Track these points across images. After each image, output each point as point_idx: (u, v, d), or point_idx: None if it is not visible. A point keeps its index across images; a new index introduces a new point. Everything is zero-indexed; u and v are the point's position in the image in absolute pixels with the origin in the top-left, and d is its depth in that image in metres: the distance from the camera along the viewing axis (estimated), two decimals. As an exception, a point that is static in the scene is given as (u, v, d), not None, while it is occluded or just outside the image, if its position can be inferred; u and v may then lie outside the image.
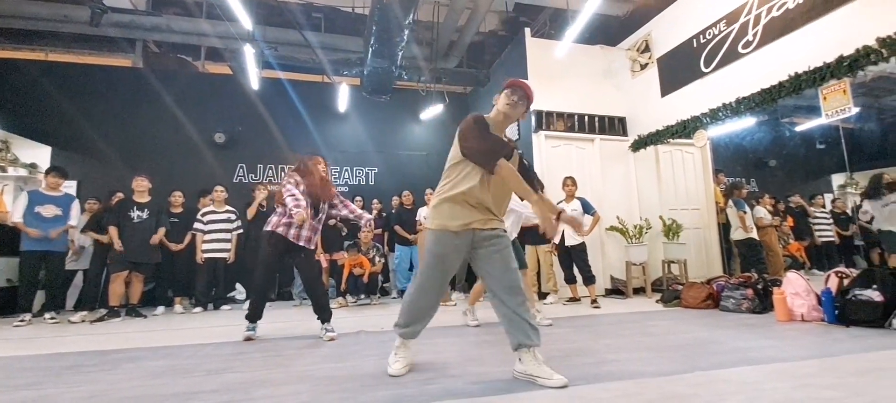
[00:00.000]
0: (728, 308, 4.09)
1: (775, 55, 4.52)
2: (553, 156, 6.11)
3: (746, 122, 6.26)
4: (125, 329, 4.25)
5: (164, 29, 7.31)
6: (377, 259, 5.77)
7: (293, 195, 3.23)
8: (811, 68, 4.02)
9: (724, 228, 6.27)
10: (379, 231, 6.62)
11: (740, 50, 4.93)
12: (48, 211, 4.75)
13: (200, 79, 8.16)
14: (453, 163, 2.23)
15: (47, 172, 5.00)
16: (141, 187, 5.15)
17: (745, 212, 5.61)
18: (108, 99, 7.26)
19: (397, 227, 6.40)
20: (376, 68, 7.25)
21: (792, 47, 4.35)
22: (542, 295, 5.43)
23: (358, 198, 7.02)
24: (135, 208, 5.06)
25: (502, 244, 2.23)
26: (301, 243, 3.38)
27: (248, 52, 6.55)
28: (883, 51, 3.50)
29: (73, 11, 6.76)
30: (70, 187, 6.14)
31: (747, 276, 4.41)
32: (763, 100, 4.52)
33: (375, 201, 7.00)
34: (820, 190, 8.38)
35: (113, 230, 4.92)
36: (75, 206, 5.01)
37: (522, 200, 2.64)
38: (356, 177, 8.17)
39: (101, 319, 4.73)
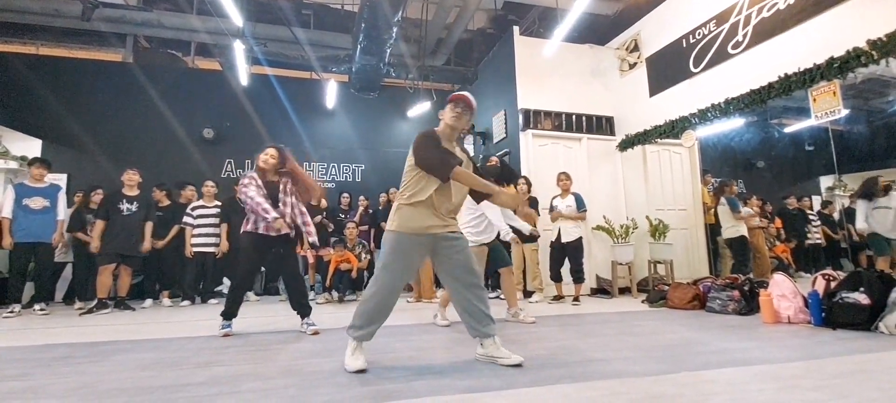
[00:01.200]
0: (714, 309, 4.05)
1: (765, 56, 4.50)
2: (540, 155, 6.06)
3: (735, 123, 6.25)
4: (114, 321, 4.27)
5: (155, 24, 7.27)
6: (363, 255, 5.69)
7: (259, 204, 3.21)
8: (801, 69, 3.98)
9: (711, 229, 6.27)
10: (365, 227, 6.52)
11: (730, 50, 4.91)
12: (36, 203, 4.78)
13: (190, 75, 8.09)
14: (410, 171, 2.35)
15: (31, 163, 5.04)
16: (131, 180, 5.13)
17: (739, 211, 5.62)
18: (99, 93, 7.21)
19: (384, 224, 6.29)
20: (364, 65, 7.17)
21: (782, 48, 4.32)
22: (528, 294, 5.38)
23: (345, 195, 6.95)
24: (124, 201, 5.04)
25: (461, 246, 2.40)
26: (272, 233, 3.27)
27: (238, 49, 6.49)
28: (873, 53, 3.46)
29: (65, 6, 6.78)
30: (60, 180, 6.22)
31: (734, 278, 4.38)
32: (752, 102, 4.49)
33: (362, 198, 6.90)
34: (808, 191, 8.42)
35: (99, 223, 4.91)
36: (62, 197, 4.98)
37: (480, 201, 2.79)
38: (343, 173, 8.08)
39: (89, 311, 4.74)
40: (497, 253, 3.81)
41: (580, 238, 5.04)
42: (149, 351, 2.79)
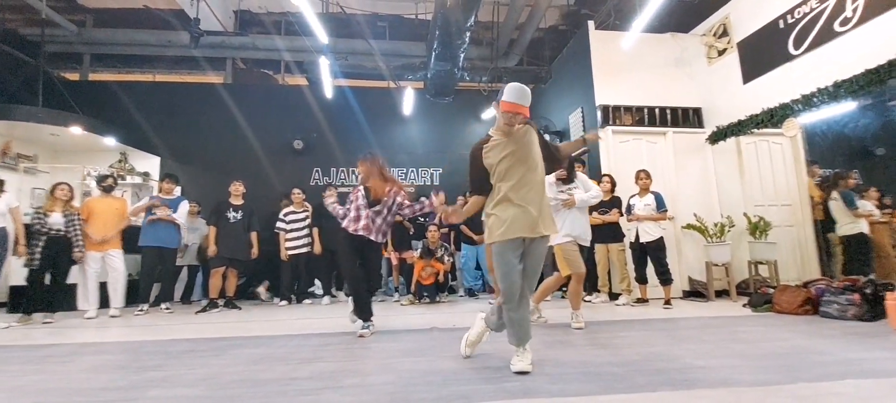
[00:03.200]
0: (830, 314, 3.70)
1: (880, 32, 4.05)
2: (621, 151, 5.85)
3: (847, 107, 5.59)
4: (224, 319, 4.69)
5: (250, 47, 8.11)
6: (446, 257, 5.84)
7: (336, 212, 3.70)
8: (927, 44, 3.54)
9: (822, 225, 5.68)
10: (445, 230, 6.69)
11: (837, 28, 4.46)
12: (163, 212, 5.34)
13: (280, 91, 8.82)
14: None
15: (162, 178, 5.74)
16: (237, 191, 5.64)
17: (856, 207, 5.08)
18: (204, 113, 8.06)
19: (463, 227, 6.42)
20: (439, 71, 7.36)
21: (902, 21, 3.86)
22: (614, 296, 5.23)
23: (423, 199, 7.15)
24: (231, 209, 5.54)
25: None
26: (360, 233, 3.50)
27: (323, 64, 6.94)
28: None
29: (176, 37, 7.81)
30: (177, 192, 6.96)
31: (853, 279, 3.95)
32: (867, 83, 4.04)
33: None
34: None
35: (212, 230, 5.46)
36: (183, 206, 5.56)
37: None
38: (421, 177, 8.32)
39: (204, 310, 5.27)
40: None
41: (661, 237, 4.82)
42: (258, 347, 3.08)
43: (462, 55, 7.02)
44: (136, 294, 5.45)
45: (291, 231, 6.03)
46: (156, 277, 5.41)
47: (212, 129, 7.96)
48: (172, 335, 3.72)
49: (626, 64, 6.15)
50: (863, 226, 5.10)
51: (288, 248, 5.96)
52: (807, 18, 4.78)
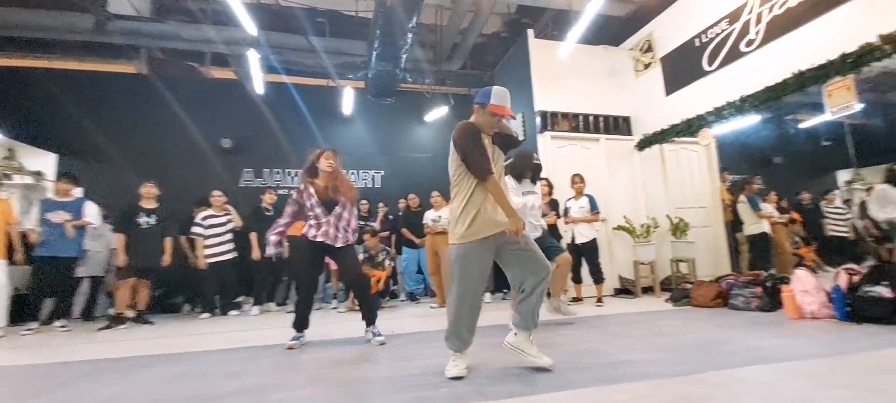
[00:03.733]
0: (738, 306, 4.10)
1: (778, 53, 4.54)
2: (559, 156, 6.13)
3: (751, 120, 6.24)
4: (134, 336, 4.24)
5: (170, 36, 7.39)
6: (387, 262, 5.79)
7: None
8: (815, 65, 4.04)
9: (732, 226, 6.28)
10: (386, 233, 6.65)
11: (743, 48, 4.95)
12: (59, 217, 4.73)
13: (206, 85, 8.18)
14: (458, 170, 2.37)
15: (58, 178, 5.07)
16: (149, 193, 5.19)
17: (759, 209, 5.64)
18: (114, 105, 7.31)
19: (404, 230, 6.42)
20: (380, 71, 7.29)
21: (795, 45, 4.37)
22: (546, 296, 5.44)
23: (364, 202, 7.08)
24: (142, 214, 5.09)
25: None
26: (328, 241, 3.29)
27: (253, 58, 6.59)
28: (887, 47, 3.51)
29: (78, 20, 6.78)
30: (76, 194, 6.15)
31: (756, 274, 4.42)
32: (767, 98, 4.54)
33: (381, 204, 7.04)
34: (826, 186, 8.35)
35: (120, 238, 4.96)
36: (90, 206, 5.01)
37: None
38: (362, 179, 8.21)
39: (108, 327, 4.74)
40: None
41: (595, 239, 5.09)
42: (173, 365, 2.81)
43: (404, 56, 7.01)
44: (24, 310, 4.83)
45: (211, 236, 5.67)
46: (50, 291, 4.80)
47: (122, 125, 7.24)
48: (68, 356, 3.30)
49: (564, 72, 6.45)
50: (765, 227, 5.70)
51: (207, 256, 5.59)
52: (718, 38, 5.27)
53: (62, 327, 4.74)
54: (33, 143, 6.58)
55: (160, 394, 2.19)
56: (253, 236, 5.81)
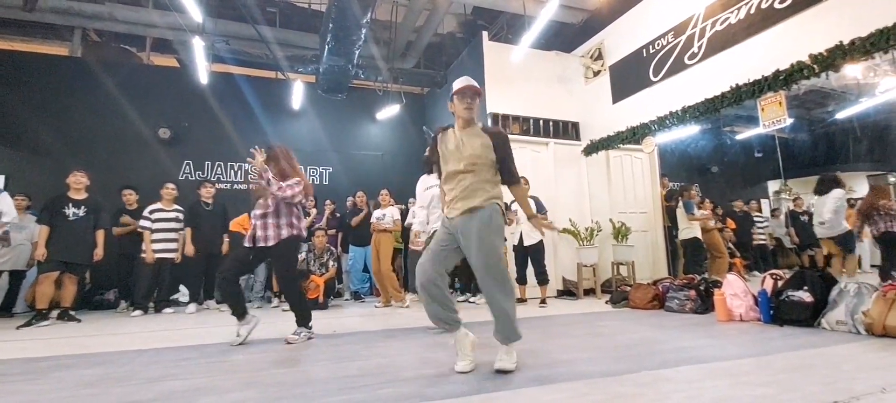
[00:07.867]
0: (672, 308, 4.24)
1: (718, 67, 4.75)
2: (509, 158, 6.14)
3: (691, 130, 6.55)
4: (56, 334, 3.95)
5: (107, 17, 6.91)
6: (331, 263, 5.60)
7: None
8: (750, 81, 4.24)
9: (669, 231, 6.54)
10: (332, 231, 6.44)
11: (686, 61, 5.14)
12: None
13: (145, 71, 7.73)
14: (491, 167, 2.46)
15: None
16: (78, 183, 4.84)
17: (693, 213, 5.88)
18: (43, 89, 6.77)
19: (352, 222, 6.25)
20: (332, 66, 7.08)
21: (733, 60, 4.58)
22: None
23: (311, 198, 6.83)
24: (70, 205, 4.75)
25: None
26: (259, 244, 3.29)
27: (197, 45, 6.21)
28: (815, 66, 3.74)
29: None
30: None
31: (691, 278, 4.59)
32: (706, 110, 4.74)
33: (328, 201, 6.81)
34: (757, 195, 8.92)
35: (43, 230, 4.59)
36: (4, 198, 4.56)
37: None
38: (311, 176, 7.93)
39: (27, 324, 4.37)
40: None
41: (541, 240, 5.14)
42: (93, 367, 2.60)
43: (357, 52, 6.84)
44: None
45: (158, 230, 5.35)
46: None
47: (49, 110, 6.72)
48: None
49: (516, 76, 6.49)
50: (696, 232, 5.96)
51: (155, 251, 5.28)
52: (664, 50, 5.46)
53: None
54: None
55: (73, 400, 1.98)
56: (188, 231, 5.46)
